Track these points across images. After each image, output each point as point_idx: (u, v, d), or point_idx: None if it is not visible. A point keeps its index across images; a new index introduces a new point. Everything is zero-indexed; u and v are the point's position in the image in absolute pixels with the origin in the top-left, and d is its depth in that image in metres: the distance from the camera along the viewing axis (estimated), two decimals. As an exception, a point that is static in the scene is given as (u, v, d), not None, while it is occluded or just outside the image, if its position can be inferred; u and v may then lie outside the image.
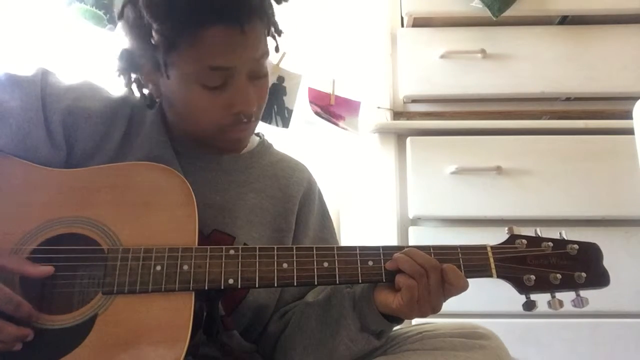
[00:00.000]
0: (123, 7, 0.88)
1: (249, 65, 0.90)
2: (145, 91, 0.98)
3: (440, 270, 0.85)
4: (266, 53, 0.93)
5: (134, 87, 0.99)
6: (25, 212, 0.86)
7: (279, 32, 0.95)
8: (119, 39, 0.94)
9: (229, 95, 0.90)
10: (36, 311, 0.80)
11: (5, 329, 0.76)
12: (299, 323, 0.99)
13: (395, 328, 0.97)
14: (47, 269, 0.82)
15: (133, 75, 0.97)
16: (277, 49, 0.95)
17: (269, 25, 0.92)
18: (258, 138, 1.14)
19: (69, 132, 0.95)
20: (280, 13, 0.96)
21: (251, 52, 0.89)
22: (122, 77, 0.97)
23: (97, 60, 1.59)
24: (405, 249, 0.87)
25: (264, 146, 1.13)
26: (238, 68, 0.89)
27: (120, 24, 0.91)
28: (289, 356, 0.98)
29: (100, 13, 1.55)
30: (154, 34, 0.84)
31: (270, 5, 0.92)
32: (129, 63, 0.95)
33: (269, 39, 0.94)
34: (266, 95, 0.98)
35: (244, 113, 0.92)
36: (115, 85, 0.99)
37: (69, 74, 1.01)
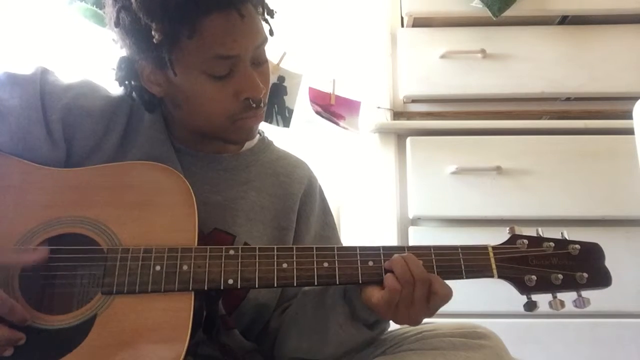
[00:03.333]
0: (117, 14, 0.87)
1: (251, 51, 0.90)
2: (146, 96, 0.98)
3: (429, 284, 0.84)
4: (266, 38, 0.94)
5: (135, 94, 0.99)
6: (25, 212, 0.86)
7: (272, 14, 0.95)
8: (116, 48, 0.95)
9: (236, 83, 0.91)
10: (30, 314, 0.80)
11: None
12: (296, 312, 0.99)
13: (395, 327, 0.97)
14: (43, 253, 0.82)
15: (133, 82, 0.97)
16: (271, 32, 0.96)
17: (262, 7, 0.93)
18: (258, 135, 1.14)
19: (68, 130, 0.95)
20: (281, 13, 0.96)
21: (252, 38, 0.90)
22: (122, 86, 0.98)
23: (97, 59, 1.59)
24: (406, 254, 0.86)
25: (265, 144, 1.13)
26: (242, 55, 0.89)
27: (116, 32, 0.91)
28: (285, 343, 0.98)
29: (101, 12, 1.54)
30: (154, 33, 0.83)
31: None
32: (128, 70, 0.96)
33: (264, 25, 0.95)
34: (269, 79, 0.99)
35: (253, 98, 0.92)
36: (114, 84, 0.99)
37: (69, 73, 1.01)
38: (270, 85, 0.99)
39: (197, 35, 0.85)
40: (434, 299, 0.84)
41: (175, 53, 0.87)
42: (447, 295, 0.84)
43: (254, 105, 0.93)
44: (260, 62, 0.94)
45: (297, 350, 0.96)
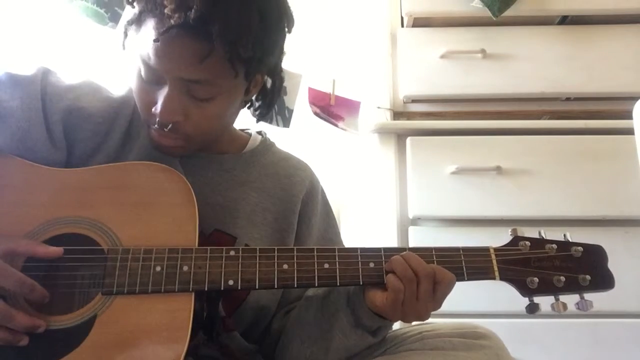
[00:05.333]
0: None
1: (177, 80, 0.86)
2: None
3: (433, 276, 0.84)
4: (203, 78, 0.86)
5: None
6: (26, 212, 0.86)
7: (245, 60, 0.86)
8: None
9: (156, 96, 0.89)
10: (30, 315, 0.79)
11: (17, 317, 0.77)
12: (298, 316, 0.99)
13: (395, 328, 0.97)
14: (57, 250, 0.82)
15: None
16: (245, 76, 0.90)
17: (234, 57, 0.84)
18: (260, 137, 1.14)
19: (69, 131, 0.95)
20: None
21: (175, 68, 0.85)
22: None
23: (98, 59, 1.58)
24: (405, 253, 0.87)
25: (266, 145, 1.12)
26: (165, 76, 0.86)
27: None
28: (287, 349, 0.98)
29: (101, 11, 1.54)
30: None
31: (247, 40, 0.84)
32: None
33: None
34: (208, 120, 0.92)
35: (158, 120, 0.89)
36: (116, 84, 0.99)
37: (70, 73, 1.01)
38: (210, 123, 0.93)
39: (141, 30, 0.86)
40: (439, 289, 0.84)
41: (131, 31, 0.89)
42: (451, 280, 0.85)
43: (156, 125, 0.90)
44: (196, 97, 0.88)
45: (300, 356, 0.95)
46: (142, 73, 0.88)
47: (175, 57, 0.84)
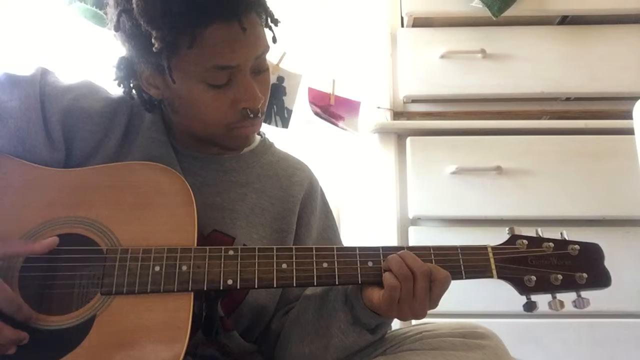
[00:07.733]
0: (118, 17, 0.87)
1: (251, 62, 0.90)
2: (145, 96, 0.98)
3: (429, 274, 0.84)
4: (267, 48, 0.93)
5: (134, 93, 0.99)
6: (24, 213, 0.86)
7: (276, 22, 0.94)
8: (116, 47, 0.94)
9: (234, 93, 0.90)
10: (35, 313, 0.80)
11: (3, 331, 0.76)
12: (297, 315, 0.99)
13: (395, 328, 0.97)
14: (52, 240, 0.82)
15: (132, 82, 0.97)
16: (274, 40, 0.95)
17: (266, 17, 0.92)
18: (259, 137, 1.14)
19: (68, 132, 0.95)
20: (280, 13, 0.96)
21: (253, 49, 0.89)
22: (121, 85, 0.97)
23: (97, 60, 1.59)
24: (402, 252, 0.87)
25: (265, 145, 1.13)
26: (242, 65, 0.89)
27: (116, 35, 0.91)
28: (286, 348, 0.98)
29: (101, 12, 1.54)
30: (153, 41, 0.83)
31: None
32: (128, 71, 0.95)
33: (267, 31, 0.94)
34: (269, 88, 0.98)
35: (251, 109, 0.92)
36: (114, 85, 0.99)
37: (69, 73, 1.01)
38: (269, 90, 0.99)
39: (196, 45, 0.84)
40: (435, 287, 0.84)
41: (174, 61, 0.86)
42: (447, 278, 0.85)
43: (252, 115, 0.93)
44: (260, 70, 0.94)
45: (299, 355, 0.96)
46: (211, 82, 0.89)
47: (254, 35, 0.89)
